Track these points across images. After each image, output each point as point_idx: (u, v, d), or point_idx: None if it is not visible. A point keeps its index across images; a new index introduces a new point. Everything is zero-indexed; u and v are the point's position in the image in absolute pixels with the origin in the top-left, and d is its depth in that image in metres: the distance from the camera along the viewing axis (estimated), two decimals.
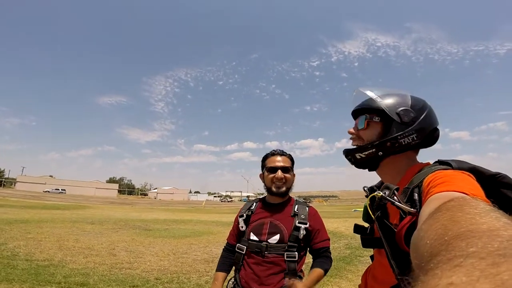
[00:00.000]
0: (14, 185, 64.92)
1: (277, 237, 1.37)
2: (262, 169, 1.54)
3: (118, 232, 8.13)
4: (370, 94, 0.89)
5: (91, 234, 7.40)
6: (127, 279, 3.90)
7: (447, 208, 0.38)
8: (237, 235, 1.51)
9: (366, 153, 0.85)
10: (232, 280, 1.44)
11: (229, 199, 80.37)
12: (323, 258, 1.43)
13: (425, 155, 0.86)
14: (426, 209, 0.51)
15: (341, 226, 10.60)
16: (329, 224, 11.47)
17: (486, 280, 0.18)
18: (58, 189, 60.77)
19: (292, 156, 1.56)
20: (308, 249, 1.47)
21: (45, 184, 64.74)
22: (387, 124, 0.84)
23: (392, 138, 0.82)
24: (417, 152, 0.86)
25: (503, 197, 0.65)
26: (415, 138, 0.81)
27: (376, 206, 0.73)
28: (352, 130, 0.92)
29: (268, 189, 1.48)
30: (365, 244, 0.86)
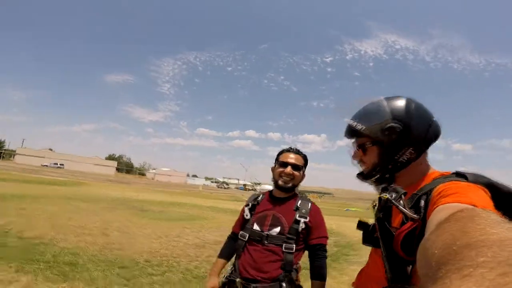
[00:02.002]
0: (13, 158, 65.27)
1: (277, 229, 1.44)
2: (275, 163, 1.59)
3: (112, 212, 8.17)
4: (350, 122, 0.88)
5: (85, 212, 7.42)
6: (117, 260, 3.93)
7: (457, 219, 0.37)
8: (242, 223, 1.59)
9: (374, 179, 0.86)
10: (231, 266, 1.50)
11: (226, 186, 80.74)
12: (319, 260, 1.46)
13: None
14: (435, 218, 0.50)
15: (332, 223, 10.56)
16: None
17: None
18: (57, 164, 61.02)
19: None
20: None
21: (44, 157, 65.07)
22: (381, 145, 0.83)
23: (390, 160, 0.82)
24: (426, 153, 0.84)
25: None
26: (413, 152, 0.80)
27: (381, 207, 0.75)
28: (355, 155, 0.91)
29: (275, 183, 1.54)
30: (365, 240, 0.89)
